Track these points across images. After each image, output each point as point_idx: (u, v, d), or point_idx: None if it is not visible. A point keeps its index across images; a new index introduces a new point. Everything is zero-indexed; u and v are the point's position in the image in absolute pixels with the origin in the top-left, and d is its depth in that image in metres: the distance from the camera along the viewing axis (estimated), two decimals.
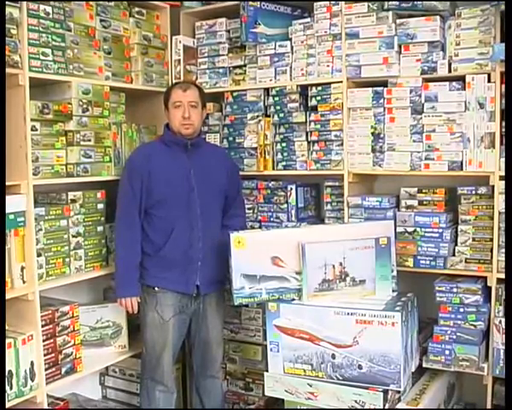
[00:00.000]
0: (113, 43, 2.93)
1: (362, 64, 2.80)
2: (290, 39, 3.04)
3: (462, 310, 2.61)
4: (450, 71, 2.65)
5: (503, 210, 2.49)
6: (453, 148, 2.64)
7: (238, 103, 3.22)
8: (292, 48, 3.03)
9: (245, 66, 3.19)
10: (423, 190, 2.78)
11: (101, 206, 2.91)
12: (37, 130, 2.54)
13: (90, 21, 2.81)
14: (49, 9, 2.58)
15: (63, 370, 2.70)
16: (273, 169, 3.12)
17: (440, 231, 2.68)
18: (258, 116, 3.15)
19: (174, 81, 3.18)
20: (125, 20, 3.00)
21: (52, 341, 2.64)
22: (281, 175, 3.16)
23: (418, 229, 2.73)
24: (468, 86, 2.58)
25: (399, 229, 2.76)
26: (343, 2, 2.82)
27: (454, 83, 2.62)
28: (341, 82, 2.87)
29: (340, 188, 2.95)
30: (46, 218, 2.64)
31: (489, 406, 2.63)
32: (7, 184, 2.37)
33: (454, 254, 2.70)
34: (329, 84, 2.92)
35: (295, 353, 2.51)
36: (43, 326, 2.58)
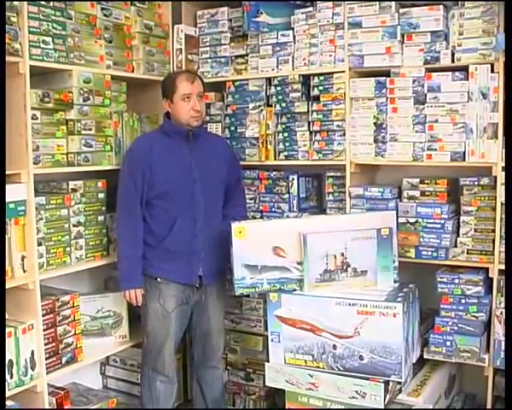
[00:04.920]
0: (114, 32, 2.92)
1: (364, 54, 2.79)
2: (292, 29, 3.02)
3: (463, 301, 2.61)
4: (453, 61, 2.63)
5: None
6: (456, 138, 2.63)
7: (240, 93, 3.20)
8: (294, 37, 3.02)
9: (247, 55, 3.17)
10: (425, 181, 2.76)
11: (101, 195, 2.90)
12: (37, 118, 2.52)
13: (91, 10, 2.79)
14: None
15: (64, 359, 2.70)
16: (275, 159, 3.11)
17: (442, 221, 2.67)
18: (259, 106, 3.14)
19: (175, 70, 3.17)
20: (126, 8, 2.99)
21: (53, 330, 2.65)
22: (282, 165, 3.15)
23: (420, 220, 2.72)
24: (471, 76, 2.56)
25: (401, 220, 2.75)
26: None
27: (457, 73, 2.61)
28: (344, 72, 2.85)
29: (342, 178, 2.94)
30: (47, 207, 2.63)
31: (489, 397, 2.63)
32: (7, 173, 2.35)
33: (456, 246, 2.69)
34: (332, 73, 2.91)
35: (296, 343, 2.51)
36: (43, 316, 2.59)
